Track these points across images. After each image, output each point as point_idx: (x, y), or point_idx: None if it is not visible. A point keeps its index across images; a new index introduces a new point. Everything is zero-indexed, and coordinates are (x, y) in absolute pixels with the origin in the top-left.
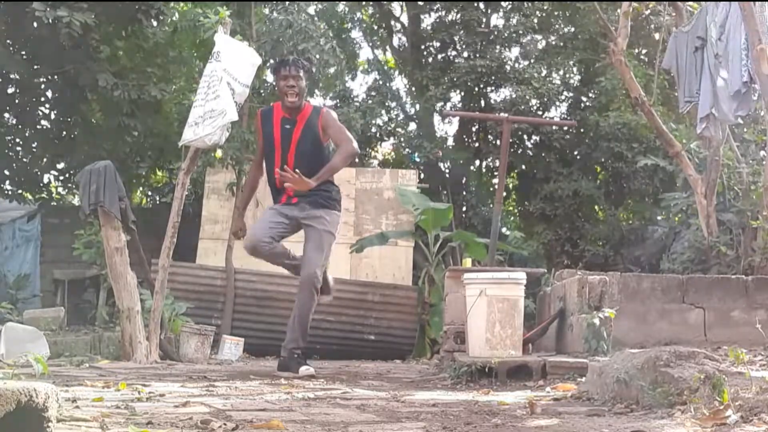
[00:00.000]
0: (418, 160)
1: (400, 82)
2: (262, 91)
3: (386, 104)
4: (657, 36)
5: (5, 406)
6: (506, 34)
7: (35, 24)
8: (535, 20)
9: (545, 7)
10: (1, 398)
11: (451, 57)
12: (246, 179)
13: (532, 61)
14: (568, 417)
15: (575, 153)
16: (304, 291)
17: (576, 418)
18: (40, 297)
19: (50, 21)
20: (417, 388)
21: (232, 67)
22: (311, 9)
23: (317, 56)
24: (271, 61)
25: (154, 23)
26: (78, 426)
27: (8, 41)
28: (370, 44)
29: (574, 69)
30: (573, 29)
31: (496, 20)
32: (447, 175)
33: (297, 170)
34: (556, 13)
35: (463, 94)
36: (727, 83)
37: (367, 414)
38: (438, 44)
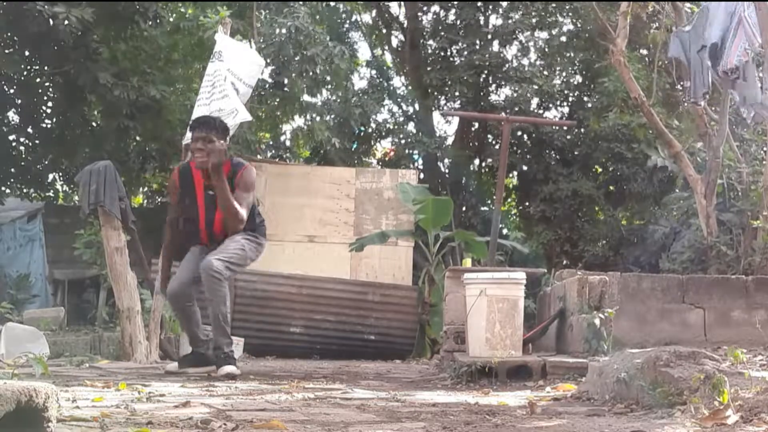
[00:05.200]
0: (417, 158)
1: (399, 82)
2: (263, 92)
3: (384, 102)
4: (658, 38)
5: (5, 406)
6: (505, 34)
7: (34, 22)
8: (534, 20)
9: (546, 7)
10: (1, 398)
11: (450, 56)
12: (167, 243)
13: (533, 60)
14: (568, 417)
15: (575, 153)
16: (206, 285)
17: (576, 418)
18: (41, 297)
19: (49, 17)
20: (417, 388)
21: (235, 67)
22: (305, 10)
23: (325, 59)
24: (272, 62)
25: (151, 24)
26: (78, 426)
27: (8, 41)
28: (369, 44)
29: (576, 69)
30: (575, 27)
31: (495, 19)
32: (447, 175)
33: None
34: (554, 10)
35: (463, 93)
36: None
37: (367, 414)
38: (437, 43)
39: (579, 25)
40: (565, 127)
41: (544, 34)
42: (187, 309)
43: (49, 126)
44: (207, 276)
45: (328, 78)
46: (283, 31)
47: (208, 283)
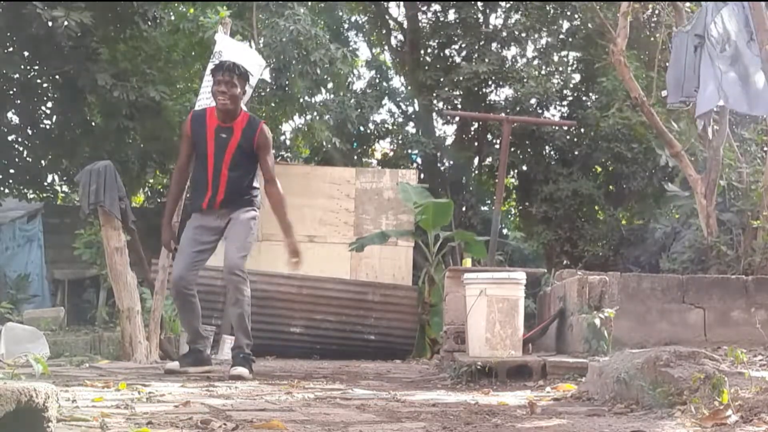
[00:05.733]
0: (416, 158)
1: (398, 82)
2: (263, 92)
3: (384, 102)
4: (657, 35)
5: (5, 406)
6: (505, 33)
7: (34, 24)
8: (534, 20)
9: (545, 6)
10: (1, 398)
11: (449, 56)
12: (171, 186)
13: (532, 59)
14: (568, 417)
15: (575, 153)
16: (230, 286)
17: (576, 418)
18: (40, 297)
19: (47, 20)
20: (417, 388)
21: None
22: (304, 9)
23: (327, 63)
24: (273, 64)
25: (150, 25)
26: (78, 426)
27: (8, 41)
28: (368, 44)
29: (574, 68)
30: (573, 26)
31: (495, 20)
32: (447, 175)
33: (231, 180)
34: (556, 11)
35: (462, 93)
36: (748, 81)
37: (367, 414)
38: (436, 43)
39: (578, 25)
40: (564, 127)
41: (544, 34)
42: (190, 298)
43: (48, 126)
44: (233, 276)
45: (328, 77)
46: (285, 33)
47: (235, 283)
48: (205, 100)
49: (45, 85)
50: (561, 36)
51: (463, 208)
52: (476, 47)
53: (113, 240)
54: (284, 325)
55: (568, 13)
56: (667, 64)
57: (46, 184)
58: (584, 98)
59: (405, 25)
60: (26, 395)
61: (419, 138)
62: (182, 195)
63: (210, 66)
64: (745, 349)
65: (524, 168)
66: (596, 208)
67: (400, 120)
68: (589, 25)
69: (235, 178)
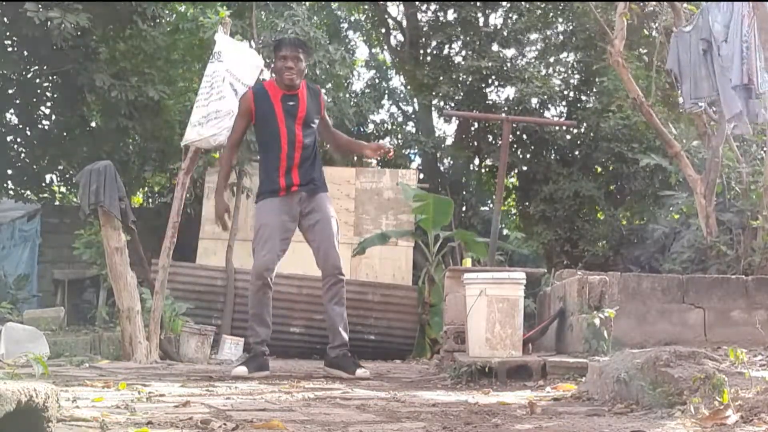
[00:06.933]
0: (416, 158)
1: (398, 82)
2: None
3: (383, 102)
4: (656, 34)
5: (5, 406)
6: (505, 33)
7: (28, 25)
8: (534, 20)
9: (544, 6)
10: (1, 398)
11: (449, 56)
12: (222, 161)
13: (531, 59)
14: (568, 417)
15: (575, 153)
16: (337, 285)
17: (576, 418)
18: (40, 297)
19: (42, 21)
20: (417, 388)
21: (234, 68)
22: (303, 11)
23: (327, 64)
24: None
25: (150, 24)
26: (78, 426)
27: (6, 41)
28: (367, 44)
29: (574, 69)
30: (572, 27)
31: (495, 19)
32: (446, 175)
33: (306, 146)
34: (554, 11)
35: (462, 93)
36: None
37: (367, 414)
38: (436, 43)
39: (576, 26)
40: (564, 127)
41: (544, 34)
42: (268, 291)
43: (47, 126)
44: (340, 276)
45: (327, 78)
46: (284, 34)
47: (342, 282)
48: (203, 101)
49: (44, 84)
50: (561, 37)
51: (463, 208)
52: (476, 46)
53: (113, 240)
54: (284, 325)
55: (567, 15)
56: (664, 63)
57: (44, 184)
58: (584, 98)
59: (404, 24)
60: (26, 395)
61: (419, 138)
62: (232, 170)
63: (210, 66)
64: (745, 349)
65: (524, 168)
66: (596, 208)
67: (400, 119)
68: (587, 26)
69: (309, 146)
